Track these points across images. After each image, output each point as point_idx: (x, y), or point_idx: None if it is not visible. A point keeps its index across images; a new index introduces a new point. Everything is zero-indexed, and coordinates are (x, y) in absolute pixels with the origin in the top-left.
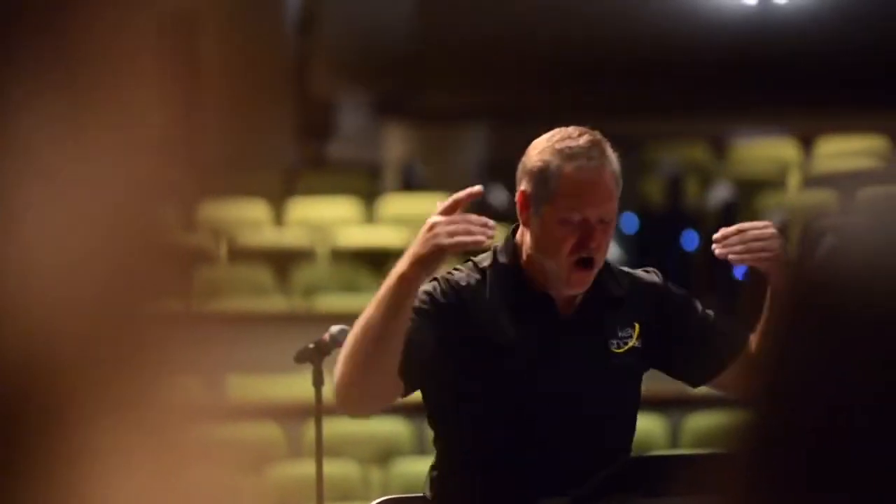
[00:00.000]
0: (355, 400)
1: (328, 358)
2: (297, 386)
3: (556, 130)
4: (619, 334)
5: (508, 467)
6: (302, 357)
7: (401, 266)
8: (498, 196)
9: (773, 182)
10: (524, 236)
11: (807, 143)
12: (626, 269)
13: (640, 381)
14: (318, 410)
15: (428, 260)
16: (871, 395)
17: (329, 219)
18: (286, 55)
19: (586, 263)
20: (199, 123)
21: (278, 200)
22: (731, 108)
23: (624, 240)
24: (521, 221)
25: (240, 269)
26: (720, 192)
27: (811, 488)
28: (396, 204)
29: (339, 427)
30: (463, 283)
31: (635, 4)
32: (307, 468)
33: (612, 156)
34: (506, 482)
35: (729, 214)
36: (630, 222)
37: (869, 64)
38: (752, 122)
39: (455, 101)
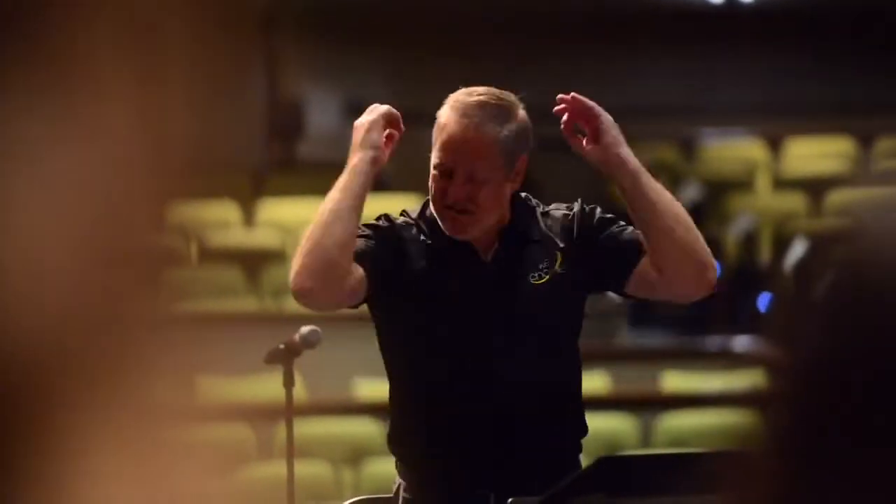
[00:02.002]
0: (311, 287)
1: (299, 359)
2: (268, 387)
3: (473, 88)
4: (540, 265)
5: (446, 409)
6: (272, 358)
7: (350, 161)
8: None
9: (742, 183)
10: None
11: (775, 144)
12: (546, 208)
13: (572, 306)
14: (288, 411)
15: (365, 143)
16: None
17: (299, 219)
18: (254, 55)
19: (452, 213)
20: (168, 125)
21: (248, 201)
22: (699, 108)
23: None
24: None
25: (210, 270)
26: (689, 193)
27: (827, 483)
28: (366, 204)
29: (310, 428)
30: (402, 226)
31: None
32: (278, 469)
33: (506, 121)
34: (446, 425)
35: (698, 215)
36: None
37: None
38: (721, 123)
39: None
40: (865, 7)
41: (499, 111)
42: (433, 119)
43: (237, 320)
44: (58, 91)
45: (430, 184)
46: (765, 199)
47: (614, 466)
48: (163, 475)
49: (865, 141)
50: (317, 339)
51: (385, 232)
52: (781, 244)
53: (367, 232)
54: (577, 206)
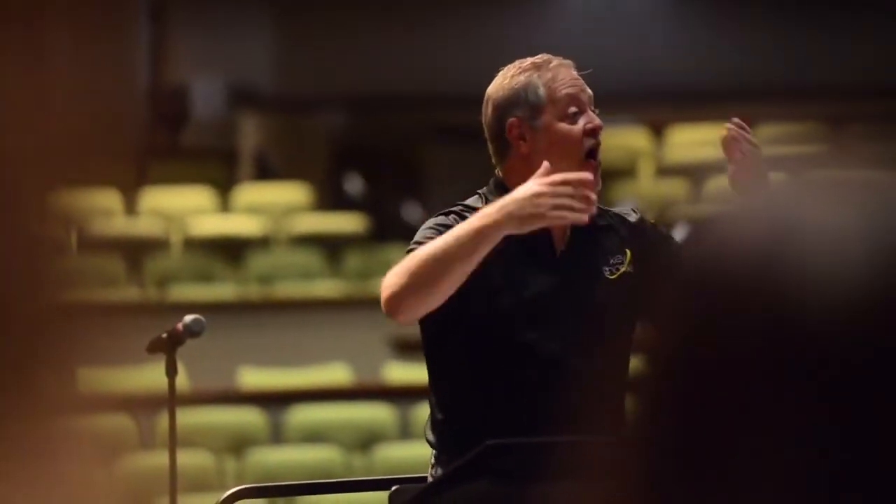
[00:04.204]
0: (406, 311)
1: (181, 348)
2: (150, 376)
3: (505, 69)
4: (611, 261)
5: (511, 402)
6: (154, 347)
7: (491, 217)
8: (353, 184)
9: (625, 171)
10: (514, 171)
11: (658, 132)
12: (605, 207)
13: (636, 308)
14: (171, 401)
15: (522, 223)
16: (759, 381)
17: (182, 208)
18: (139, 41)
19: (594, 155)
20: (48, 112)
21: (130, 189)
22: None
23: None
24: (512, 156)
25: (90, 259)
26: None
27: (698, 472)
28: (251, 193)
29: (192, 417)
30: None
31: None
32: (160, 459)
33: None
34: (509, 419)
35: None
36: None
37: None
38: (605, 110)
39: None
40: None
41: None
42: (320, 105)
43: (119, 310)
44: None
45: (549, 146)
46: (647, 186)
47: (498, 452)
48: (44, 466)
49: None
50: (200, 328)
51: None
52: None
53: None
54: (637, 211)
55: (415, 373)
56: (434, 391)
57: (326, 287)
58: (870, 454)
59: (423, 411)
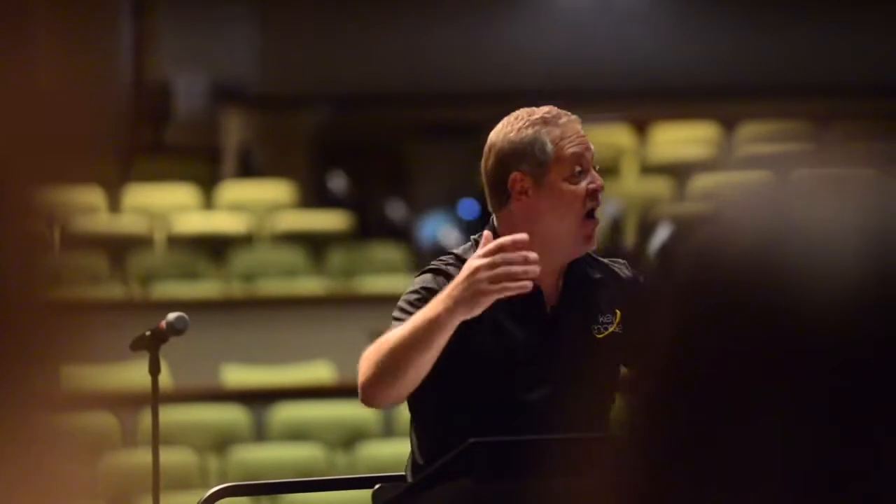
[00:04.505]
0: (380, 400)
1: (165, 345)
2: (133, 374)
3: (510, 116)
4: (601, 319)
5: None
6: (138, 345)
7: (440, 306)
8: (337, 181)
9: (609, 169)
10: (511, 222)
11: (642, 130)
12: (598, 257)
13: (618, 368)
14: (154, 399)
15: (470, 306)
16: (752, 380)
17: (166, 205)
18: (122, 38)
19: (593, 214)
20: (31, 108)
21: (113, 186)
22: (566, 93)
23: (465, 225)
24: (512, 209)
25: (74, 257)
26: None
27: (689, 470)
28: (235, 190)
29: (175, 415)
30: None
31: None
32: (143, 457)
33: None
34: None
35: None
36: (471, 209)
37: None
38: (588, 108)
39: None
40: None
41: None
42: (303, 103)
43: (102, 307)
44: None
45: (551, 204)
46: (631, 185)
47: (482, 451)
48: (27, 464)
49: (729, 126)
50: (184, 326)
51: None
52: (646, 229)
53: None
54: (631, 271)
55: None
56: (416, 436)
57: (310, 285)
58: (866, 452)
59: (407, 410)
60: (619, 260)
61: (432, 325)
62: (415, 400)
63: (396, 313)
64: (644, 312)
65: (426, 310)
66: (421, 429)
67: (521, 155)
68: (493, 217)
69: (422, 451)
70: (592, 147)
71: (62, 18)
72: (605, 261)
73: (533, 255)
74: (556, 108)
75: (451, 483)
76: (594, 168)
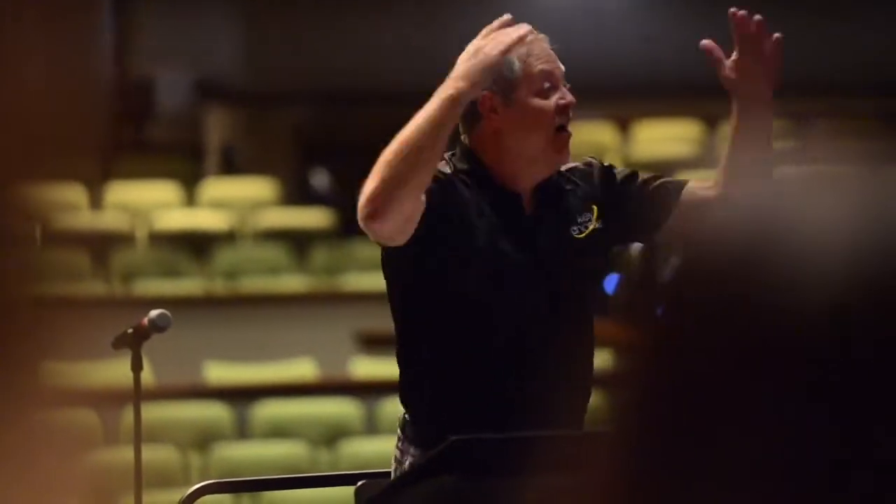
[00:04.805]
0: (385, 213)
1: (147, 342)
2: (115, 371)
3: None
4: (579, 220)
5: (485, 366)
6: (120, 342)
7: (449, 86)
8: (320, 179)
9: None
10: (483, 141)
11: (624, 127)
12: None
13: (605, 261)
14: (137, 396)
15: (476, 75)
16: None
17: (148, 202)
18: (104, 34)
19: (565, 129)
20: (12, 105)
21: (95, 184)
22: None
23: None
24: (483, 128)
25: (55, 254)
26: None
27: (676, 466)
28: (217, 187)
29: (157, 412)
30: (453, 174)
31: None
32: (125, 454)
33: None
34: (484, 382)
35: None
36: None
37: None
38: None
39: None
40: None
41: None
42: (286, 100)
43: (84, 304)
44: None
45: (521, 121)
46: None
47: (466, 447)
48: (7, 462)
49: (712, 124)
50: (166, 324)
51: (444, 178)
52: None
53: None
54: (595, 162)
55: (381, 368)
56: (404, 353)
57: (293, 282)
58: (863, 450)
59: (389, 406)
60: (587, 158)
61: (444, 107)
62: (405, 315)
63: None
64: (622, 199)
65: (429, 106)
66: (413, 349)
67: (484, 74)
68: (464, 137)
69: (414, 374)
70: (561, 65)
71: (43, 15)
72: (573, 166)
73: (524, 25)
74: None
75: (434, 479)
76: (564, 85)
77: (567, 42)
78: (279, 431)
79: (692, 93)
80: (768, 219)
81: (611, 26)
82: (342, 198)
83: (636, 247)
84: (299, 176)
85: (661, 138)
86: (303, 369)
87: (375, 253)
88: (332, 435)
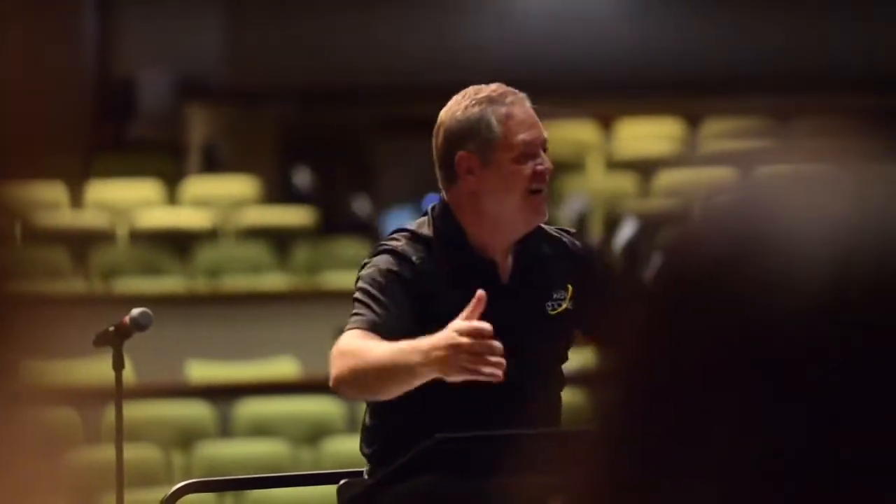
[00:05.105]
0: (352, 399)
1: (129, 341)
2: (96, 370)
3: (458, 94)
4: (554, 296)
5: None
6: (101, 340)
7: (419, 359)
8: (302, 177)
9: (574, 165)
10: (460, 201)
11: (607, 125)
12: (546, 228)
13: (568, 344)
14: (118, 394)
15: (445, 373)
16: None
17: (129, 200)
18: (86, 32)
19: (540, 191)
20: None
21: (77, 182)
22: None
23: None
24: (459, 187)
25: (36, 252)
26: None
27: (656, 466)
28: (199, 185)
29: (139, 411)
30: (414, 259)
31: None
32: (107, 453)
33: None
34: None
35: None
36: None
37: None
38: (552, 103)
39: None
40: None
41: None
42: (268, 98)
43: (65, 302)
44: None
45: (498, 183)
46: (596, 180)
47: (449, 446)
48: None
49: (694, 122)
50: (148, 322)
51: (401, 281)
52: (612, 224)
53: (384, 296)
54: (578, 241)
55: None
56: (371, 412)
57: (275, 280)
58: (843, 447)
59: None
60: (568, 230)
61: (410, 373)
62: None
63: (363, 297)
64: (596, 287)
65: (404, 353)
66: (378, 406)
67: (468, 134)
68: (443, 194)
69: (380, 429)
70: (543, 131)
71: (24, 12)
72: (554, 232)
73: (501, 359)
74: (504, 86)
75: (415, 479)
76: (544, 150)
77: (550, 41)
78: (261, 430)
79: (674, 91)
80: (752, 218)
81: (594, 25)
82: (324, 196)
83: (620, 244)
84: (281, 174)
85: (644, 136)
86: (285, 368)
87: (357, 252)
88: (315, 433)
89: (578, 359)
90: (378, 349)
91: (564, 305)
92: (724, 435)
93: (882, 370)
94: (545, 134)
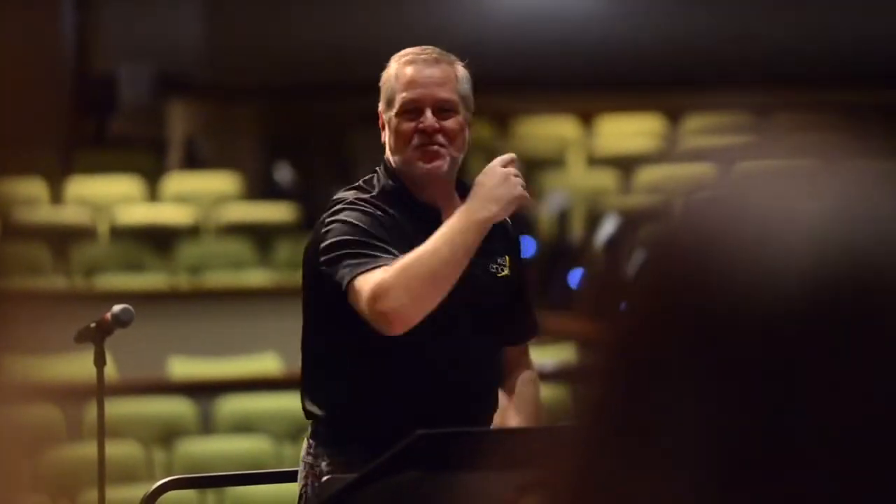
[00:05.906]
0: (412, 322)
1: (110, 337)
2: (78, 366)
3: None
4: (498, 260)
5: (407, 388)
6: (83, 337)
7: (488, 210)
8: (283, 173)
9: (555, 161)
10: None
11: (588, 121)
12: None
13: (511, 315)
14: (100, 391)
15: (511, 205)
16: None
17: (110, 196)
18: (65, 27)
19: (425, 145)
20: None
21: (56, 177)
22: (516, 84)
23: None
24: (382, 138)
25: (16, 248)
26: None
27: (635, 461)
28: (180, 181)
29: (121, 408)
30: (367, 208)
31: None
32: (88, 450)
33: (456, 63)
34: (403, 406)
35: None
36: None
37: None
38: (536, 98)
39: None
40: None
41: (448, 56)
42: (249, 93)
43: (45, 298)
44: None
45: (389, 138)
46: (577, 177)
47: (431, 443)
48: None
49: (675, 118)
50: (129, 318)
51: (379, 215)
52: (593, 221)
53: (373, 223)
54: (514, 230)
55: None
56: (317, 355)
57: (256, 277)
58: (820, 443)
59: None
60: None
61: (480, 230)
62: (324, 320)
63: (352, 248)
64: (519, 269)
65: (460, 220)
66: (330, 352)
67: (381, 93)
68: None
69: (326, 376)
70: (442, 92)
71: (3, 7)
72: None
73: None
74: (429, 48)
75: (397, 475)
76: (443, 111)
77: (531, 36)
78: (243, 426)
79: (655, 87)
80: (732, 214)
81: (574, 21)
82: (305, 192)
83: (601, 241)
84: (263, 170)
85: (624, 132)
86: (267, 364)
87: None
88: (297, 430)
89: (558, 355)
90: (424, 250)
91: (506, 271)
92: (702, 432)
93: (859, 366)
94: (443, 95)
